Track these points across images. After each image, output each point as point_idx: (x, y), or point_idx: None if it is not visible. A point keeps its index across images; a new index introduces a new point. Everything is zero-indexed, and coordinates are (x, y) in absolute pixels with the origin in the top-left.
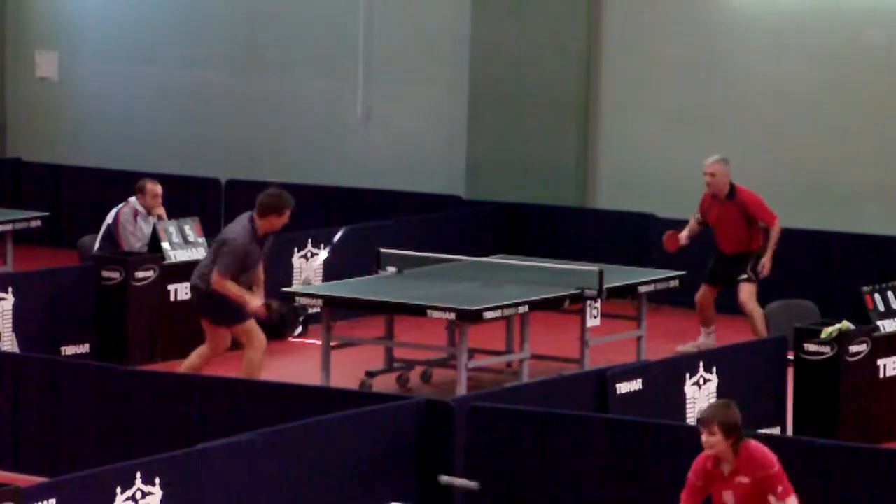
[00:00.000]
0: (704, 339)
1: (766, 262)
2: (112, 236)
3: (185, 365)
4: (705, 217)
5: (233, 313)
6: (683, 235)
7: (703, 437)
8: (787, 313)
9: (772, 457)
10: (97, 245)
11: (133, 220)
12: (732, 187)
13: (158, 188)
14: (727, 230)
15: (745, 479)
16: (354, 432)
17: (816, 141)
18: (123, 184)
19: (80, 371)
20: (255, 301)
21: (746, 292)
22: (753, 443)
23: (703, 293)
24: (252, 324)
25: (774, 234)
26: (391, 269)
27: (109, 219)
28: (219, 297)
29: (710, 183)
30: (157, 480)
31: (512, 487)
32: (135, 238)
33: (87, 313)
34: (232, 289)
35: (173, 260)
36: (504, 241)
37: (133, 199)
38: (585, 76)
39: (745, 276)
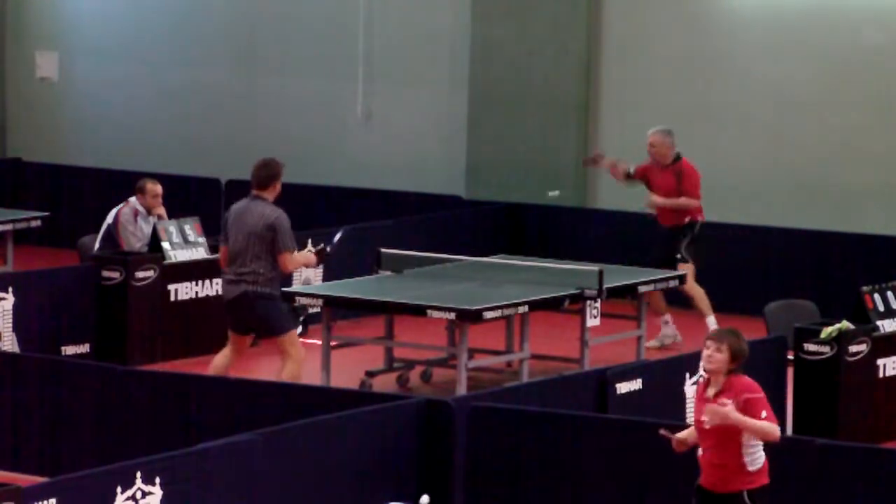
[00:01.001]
0: (665, 330)
1: (655, 199)
2: (112, 236)
3: (214, 367)
4: (638, 176)
5: (284, 322)
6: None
7: (708, 352)
8: (787, 313)
9: (759, 388)
10: (97, 245)
11: (133, 220)
12: (678, 157)
13: (159, 188)
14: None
15: (726, 401)
16: (354, 432)
17: (816, 141)
18: (123, 184)
19: (80, 371)
20: (310, 256)
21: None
22: (746, 376)
23: None
24: (295, 334)
25: (683, 202)
26: (385, 273)
27: (109, 219)
28: (272, 303)
29: (651, 153)
30: (157, 480)
31: (512, 487)
32: (135, 238)
33: (87, 313)
34: (300, 259)
35: (173, 260)
36: (504, 241)
37: (133, 199)
38: (585, 76)
39: (679, 257)
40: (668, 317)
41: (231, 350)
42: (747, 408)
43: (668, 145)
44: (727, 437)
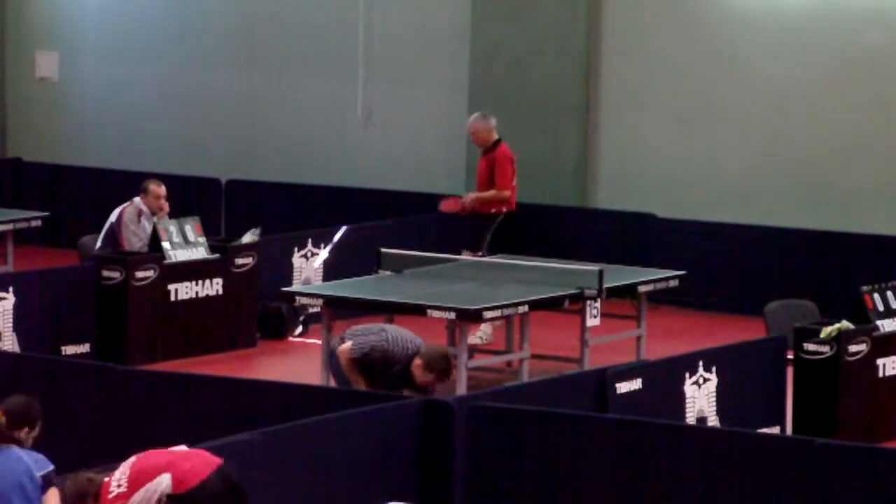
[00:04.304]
0: (485, 328)
1: (467, 200)
2: (114, 235)
3: None
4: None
5: None
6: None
7: None
8: (787, 313)
9: None
10: (99, 244)
11: (136, 220)
12: (496, 143)
13: (162, 189)
14: (477, 186)
15: None
16: (354, 432)
17: (816, 141)
18: (123, 184)
19: (80, 371)
20: None
21: None
22: None
23: None
24: None
25: (491, 195)
26: (385, 273)
27: (113, 217)
28: None
29: (473, 141)
30: None
31: (512, 487)
32: (136, 238)
33: (87, 313)
34: None
35: (173, 260)
36: (504, 241)
37: (137, 199)
38: (585, 76)
39: (466, 250)
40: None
41: None
42: None
43: (486, 129)
44: None
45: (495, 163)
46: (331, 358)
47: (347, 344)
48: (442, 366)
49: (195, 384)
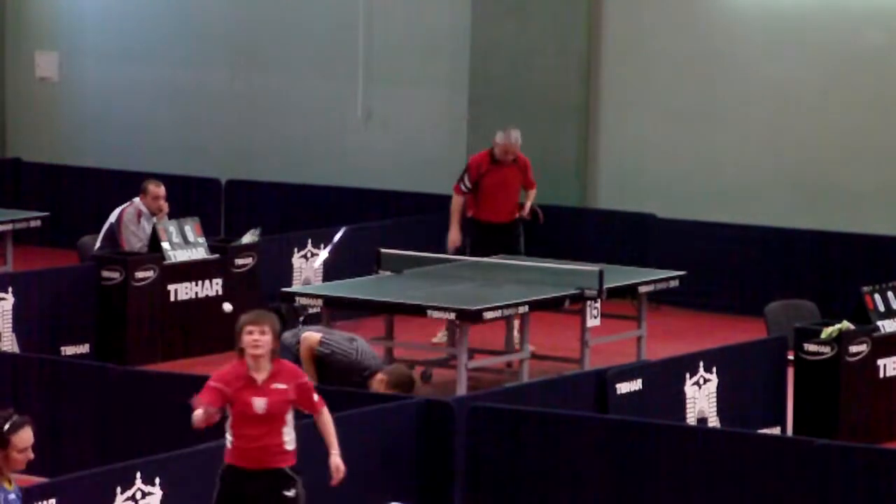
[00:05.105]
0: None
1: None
2: (114, 235)
3: None
4: (476, 183)
5: None
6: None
7: (253, 337)
8: (787, 313)
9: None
10: (98, 244)
11: (136, 220)
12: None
13: (161, 190)
14: (512, 193)
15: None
16: (354, 432)
17: (816, 141)
18: (123, 184)
19: (80, 371)
20: None
21: None
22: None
23: None
24: None
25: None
26: (385, 273)
27: (112, 217)
28: None
29: (511, 152)
30: (157, 480)
31: (512, 487)
32: (136, 238)
33: (87, 313)
34: None
35: (173, 260)
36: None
37: (137, 199)
38: (585, 76)
39: (503, 254)
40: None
41: None
42: (302, 392)
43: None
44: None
45: (527, 167)
46: (294, 344)
47: (317, 336)
48: (406, 389)
49: (195, 384)
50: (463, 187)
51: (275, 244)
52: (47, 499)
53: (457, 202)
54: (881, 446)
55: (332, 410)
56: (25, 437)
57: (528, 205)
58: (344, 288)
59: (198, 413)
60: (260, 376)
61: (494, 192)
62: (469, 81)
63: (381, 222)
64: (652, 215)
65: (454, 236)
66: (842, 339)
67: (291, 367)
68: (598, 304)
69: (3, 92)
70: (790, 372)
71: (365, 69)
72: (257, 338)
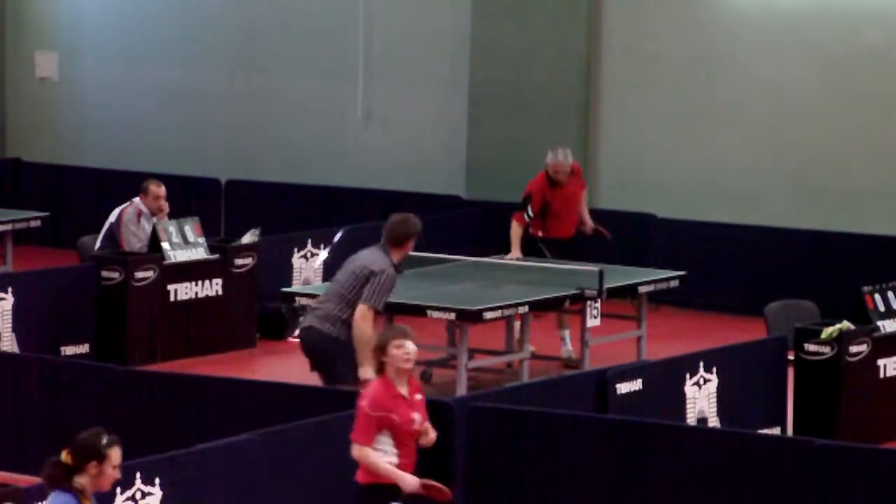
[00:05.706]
0: (567, 346)
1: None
2: (114, 235)
3: None
4: (543, 205)
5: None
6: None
7: (406, 350)
8: (787, 313)
9: None
10: (98, 244)
11: (136, 220)
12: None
13: (162, 190)
14: (574, 209)
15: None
16: None
17: (816, 141)
18: (123, 184)
19: (80, 371)
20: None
21: None
22: None
23: None
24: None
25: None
26: None
27: (112, 217)
28: (342, 348)
29: (565, 173)
30: (157, 480)
31: (512, 487)
32: (136, 238)
33: (87, 313)
34: (367, 348)
35: (173, 260)
36: (504, 241)
37: (137, 199)
38: (585, 76)
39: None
40: (566, 333)
41: None
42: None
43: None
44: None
45: (583, 184)
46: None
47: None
48: None
49: (195, 384)
50: (526, 217)
51: (275, 244)
52: (47, 499)
53: (517, 229)
54: (881, 446)
55: (332, 410)
56: (119, 453)
57: (587, 221)
58: None
59: (411, 483)
60: (405, 390)
61: (559, 213)
62: (469, 81)
63: (381, 222)
64: (652, 215)
65: (516, 255)
66: (842, 339)
67: (412, 378)
68: (598, 305)
69: (3, 92)
70: (790, 372)
71: (365, 69)
72: (409, 350)
